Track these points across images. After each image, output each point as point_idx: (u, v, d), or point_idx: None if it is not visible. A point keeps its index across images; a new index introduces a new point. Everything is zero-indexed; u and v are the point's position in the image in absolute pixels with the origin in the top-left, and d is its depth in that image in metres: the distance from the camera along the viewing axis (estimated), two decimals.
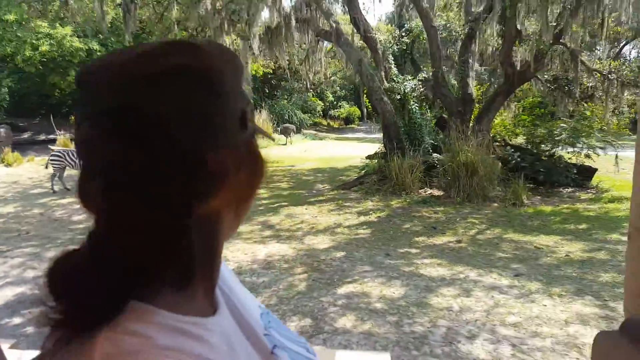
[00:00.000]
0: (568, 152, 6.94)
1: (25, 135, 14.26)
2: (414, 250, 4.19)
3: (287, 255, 4.13)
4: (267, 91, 19.38)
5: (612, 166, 7.02)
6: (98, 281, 0.32)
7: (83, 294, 0.32)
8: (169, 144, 0.33)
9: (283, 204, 6.40)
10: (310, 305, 3.09)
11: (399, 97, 7.07)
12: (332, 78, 17.75)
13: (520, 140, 7.87)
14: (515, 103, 9.03)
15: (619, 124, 8.03)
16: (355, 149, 12.05)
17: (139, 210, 0.33)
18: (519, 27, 6.18)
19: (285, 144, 14.79)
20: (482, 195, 6.06)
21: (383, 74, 7.13)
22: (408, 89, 7.06)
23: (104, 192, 0.33)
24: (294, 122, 17.42)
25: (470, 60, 7.55)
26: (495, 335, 2.61)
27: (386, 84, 7.11)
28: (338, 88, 23.02)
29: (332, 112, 24.93)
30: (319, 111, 22.30)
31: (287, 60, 10.37)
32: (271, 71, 16.31)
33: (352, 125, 25.40)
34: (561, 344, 2.50)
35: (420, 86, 7.47)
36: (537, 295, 3.09)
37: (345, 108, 24.91)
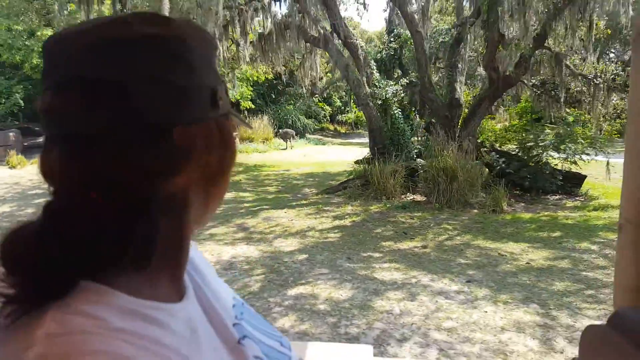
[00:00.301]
0: (555, 158, 6.79)
1: (40, 140, 14.98)
2: (376, 255, 4.20)
3: (251, 257, 4.21)
4: (273, 96, 19.64)
5: (606, 173, 6.82)
6: (48, 256, 0.29)
7: (32, 269, 0.29)
8: (134, 113, 0.31)
9: (264, 207, 6.50)
10: (257, 305, 3.15)
11: (380, 102, 7.10)
12: (337, 84, 17.85)
13: (512, 146, 7.74)
14: (504, 108, 8.91)
15: (611, 129, 7.80)
16: (355, 154, 12.04)
17: (98, 181, 0.31)
18: (501, 31, 6.14)
19: (286, 149, 14.92)
20: (463, 202, 6.00)
21: (365, 79, 7.18)
22: (389, 94, 7.08)
23: (62, 161, 0.31)
24: (297, 127, 17.57)
25: (460, 65, 7.51)
26: (426, 339, 2.61)
27: (367, 89, 7.15)
28: (344, 93, 23.09)
29: (339, 117, 25.01)
30: (324, 116, 22.40)
31: (284, 66, 10.52)
32: (274, 77, 16.54)
33: (359, 131, 25.38)
34: (490, 350, 2.49)
35: (401, 91, 7.46)
36: (482, 302, 3.07)
37: (354, 113, 24.92)
